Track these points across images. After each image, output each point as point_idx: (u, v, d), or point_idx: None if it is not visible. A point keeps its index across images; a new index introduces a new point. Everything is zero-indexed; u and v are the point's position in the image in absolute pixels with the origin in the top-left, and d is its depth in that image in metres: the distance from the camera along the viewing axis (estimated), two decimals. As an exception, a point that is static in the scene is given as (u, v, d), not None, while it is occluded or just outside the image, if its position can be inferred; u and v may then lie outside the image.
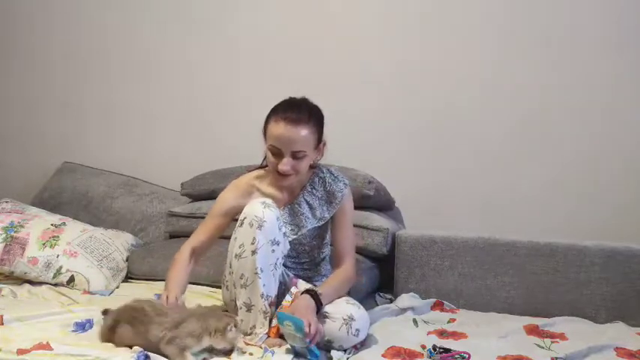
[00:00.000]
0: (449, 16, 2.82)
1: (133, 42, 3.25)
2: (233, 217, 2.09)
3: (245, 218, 1.92)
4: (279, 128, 1.97)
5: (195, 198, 2.92)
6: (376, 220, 2.64)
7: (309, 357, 1.81)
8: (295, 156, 1.98)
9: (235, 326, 1.76)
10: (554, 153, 2.73)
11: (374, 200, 2.67)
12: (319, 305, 1.91)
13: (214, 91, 3.14)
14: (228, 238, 2.02)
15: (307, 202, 2.12)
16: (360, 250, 2.44)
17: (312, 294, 1.92)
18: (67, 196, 3.10)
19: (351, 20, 2.93)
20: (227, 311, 2.11)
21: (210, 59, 3.14)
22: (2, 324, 1.98)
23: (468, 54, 2.81)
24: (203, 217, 2.73)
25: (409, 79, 2.87)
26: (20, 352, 1.73)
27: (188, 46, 3.17)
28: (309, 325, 1.79)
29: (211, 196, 2.84)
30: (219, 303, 2.25)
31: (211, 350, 1.77)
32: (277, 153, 1.99)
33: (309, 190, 2.13)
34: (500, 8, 2.76)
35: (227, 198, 2.13)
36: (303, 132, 1.97)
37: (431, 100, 2.85)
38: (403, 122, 2.89)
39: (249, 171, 2.21)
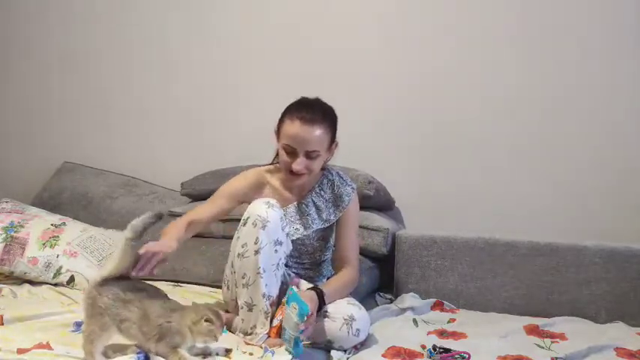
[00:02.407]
0: (451, 16, 2.82)
1: (132, 42, 3.26)
2: (237, 203, 2.09)
3: (248, 218, 1.92)
4: (294, 127, 1.97)
5: (195, 198, 2.92)
6: (376, 220, 2.64)
7: (292, 348, 1.80)
8: (309, 156, 1.99)
9: (207, 320, 1.70)
10: (554, 153, 2.73)
11: (374, 200, 2.67)
12: (322, 304, 1.91)
13: (214, 92, 3.14)
14: (231, 237, 2.02)
15: (314, 204, 2.12)
16: (360, 250, 2.43)
17: (317, 292, 1.92)
18: (67, 196, 3.10)
19: (353, 21, 2.93)
20: (228, 311, 2.12)
21: (211, 59, 3.14)
22: (2, 324, 1.99)
23: (470, 55, 2.81)
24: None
25: (410, 80, 2.87)
26: (20, 351, 1.73)
27: (188, 46, 3.17)
28: (311, 316, 1.79)
29: (211, 196, 2.84)
30: (219, 303, 2.25)
31: (195, 350, 1.75)
32: (291, 152, 1.99)
33: (318, 191, 2.14)
34: (503, 10, 2.76)
35: (236, 184, 2.11)
36: (318, 132, 1.97)
37: (431, 101, 2.86)
38: (404, 122, 2.89)
39: (259, 166, 2.21)
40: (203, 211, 2.10)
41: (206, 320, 1.71)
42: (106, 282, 1.75)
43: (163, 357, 1.71)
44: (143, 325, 1.71)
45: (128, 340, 1.76)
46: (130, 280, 1.82)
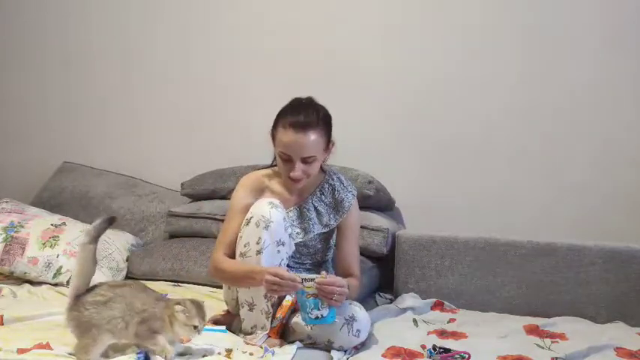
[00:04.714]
0: (449, 17, 2.82)
1: (132, 42, 3.25)
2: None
3: (252, 218, 1.92)
4: (287, 135, 1.96)
5: (195, 198, 2.92)
6: (376, 220, 2.64)
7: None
8: (306, 161, 1.98)
9: (177, 304, 1.71)
10: (554, 153, 2.73)
11: (374, 200, 2.67)
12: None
13: (214, 92, 3.14)
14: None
15: (315, 208, 2.12)
16: (360, 251, 2.43)
17: None
18: (67, 196, 3.09)
19: (355, 21, 2.93)
20: (228, 311, 2.12)
21: (211, 59, 3.14)
22: (2, 324, 1.99)
23: (468, 55, 2.81)
24: (203, 217, 2.77)
25: (410, 81, 2.87)
26: (20, 351, 1.73)
27: (188, 46, 3.17)
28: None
29: (211, 196, 2.85)
30: (219, 302, 2.25)
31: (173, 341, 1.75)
32: (287, 159, 1.99)
33: (318, 195, 2.13)
34: (505, 12, 2.76)
35: (241, 196, 2.08)
36: (312, 137, 1.96)
37: (432, 101, 2.85)
38: (404, 122, 2.88)
39: (256, 170, 2.20)
40: (229, 239, 2.02)
41: (176, 304, 1.70)
42: (79, 297, 1.73)
43: (141, 340, 1.71)
44: (126, 315, 1.71)
45: (121, 339, 1.75)
46: (104, 282, 1.82)
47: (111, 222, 1.79)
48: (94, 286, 1.77)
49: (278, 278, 1.82)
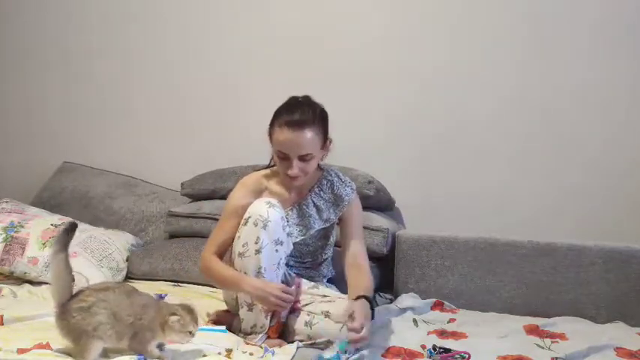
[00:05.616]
0: (449, 17, 2.82)
1: (133, 42, 3.25)
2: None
3: (249, 217, 1.92)
4: (283, 134, 1.97)
5: (196, 198, 2.92)
6: (376, 220, 2.64)
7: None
8: (303, 159, 1.99)
9: (173, 314, 1.70)
10: (554, 153, 2.73)
11: (374, 200, 2.67)
12: (372, 309, 1.92)
13: (214, 92, 3.14)
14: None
15: (314, 204, 2.12)
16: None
17: (367, 299, 1.92)
18: (67, 196, 3.10)
19: (356, 22, 2.93)
20: (228, 311, 2.12)
21: (211, 59, 3.14)
22: (2, 324, 1.99)
23: (469, 54, 2.81)
24: (203, 217, 2.77)
25: (410, 80, 2.87)
26: (20, 351, 1.73)
27: (188, 46, 3.17)
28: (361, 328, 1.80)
29: (211, 196, 2.85)
30: (219, 303, 2.25)
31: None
32: (285, 158, 1.99)
33: (317, 192, 2.14)
34: (504, 12, 2.76)
35: (237, 197, 2.09)
36: (309, 135, 1.97)
37: (432, 101, 2.85)
38: (404, 122, 2.88)
39: (256, 170, 2.21)
40: (221, 236, 2.04)
41: (172, 314, 1.69)
42: (64, 305, 1.72)
43: (135, 352, 1.71)
44: (115, 324, 1.70)
45: (112, 344, 1.73)
46: (87, 287, 1.81)
47: (73, 228, 1.78)
48: (79, 292, 1.76)
49: (287, 295, 1.88)
